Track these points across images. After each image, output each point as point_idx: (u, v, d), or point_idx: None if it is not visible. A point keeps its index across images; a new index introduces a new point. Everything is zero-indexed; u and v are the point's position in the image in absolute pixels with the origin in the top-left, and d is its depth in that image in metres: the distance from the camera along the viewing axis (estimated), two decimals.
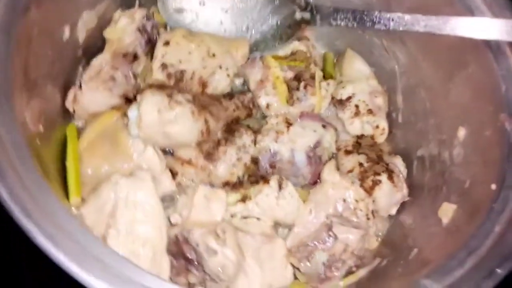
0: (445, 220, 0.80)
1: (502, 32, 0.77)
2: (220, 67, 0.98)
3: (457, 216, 0.78)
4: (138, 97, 0.87)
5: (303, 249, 0.91)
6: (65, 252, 0.57)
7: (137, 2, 1.03)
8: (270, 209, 0.93)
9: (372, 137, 1.09)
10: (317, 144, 1.01)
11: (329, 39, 1.20)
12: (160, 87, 0.92)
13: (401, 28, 0.86)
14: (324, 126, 1.04)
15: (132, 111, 0.86)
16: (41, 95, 0.80)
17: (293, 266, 0.91)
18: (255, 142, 1.00)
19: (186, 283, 0.85)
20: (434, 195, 0.91)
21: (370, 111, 1.06)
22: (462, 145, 0.89)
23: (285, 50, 1.10)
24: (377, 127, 1.08)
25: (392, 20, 0.87)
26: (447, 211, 0.82)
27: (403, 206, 1.00)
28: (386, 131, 1.08)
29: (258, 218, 0.94)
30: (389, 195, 0.97)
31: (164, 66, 0.93)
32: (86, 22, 0.92)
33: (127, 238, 0.79)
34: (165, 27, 1.05)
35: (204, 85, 0.96)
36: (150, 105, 0.84)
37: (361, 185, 0.96)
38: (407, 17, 0.85)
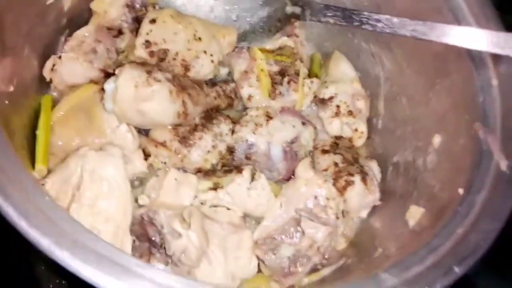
0: (412, 222, 0.81)
1: (485, 43, 0.77)
2: (205, 52, 0.97)
3: (423, 218, 0.78)
4: (117, 71, 0.85)
5: (270, 242, 0.90)
6: (26, 218, 0.54)
7: None
8: (241, 199, 0.92)
9: (350, 139, 1.09)
10: (295, 139, 1.01)
11: (319, 40, 1.20)
12: (141, 64, 0.90)
13: (388, 31, 0.86)
14: (303, 123, 1.04)
15: (109, 84, 0.85)
16: (16, 56, 0.78)
17: (258, 258, 0.90)
18: (232, 131, 0.99)
19: None
20: (404, 200, 0.91)
21: (350, 113, 1.07)
22: (436, 152, 0.89)
23: (273, 44, 1.09)
24: (356, 130, 1.08)
25: (380, 21, 0.87)
26: (414, 214, 0.82)
27: (373, 210, 1.00)
28: (365, 135, 1.09)
29: (228, 208, 0.92)
30: (361, 197, 0.97)
31: (147, 43, 0.92)
32: None
33: (90, 212, 0.77)
34: (154, 7, 1.04)
35: (186, 67, 0.95)
36: (128, 79, 0.82)
37: (334, 184, 0.95)
38: (394, 20, 0.86)
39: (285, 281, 0.89)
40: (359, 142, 1.10)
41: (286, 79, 1.05)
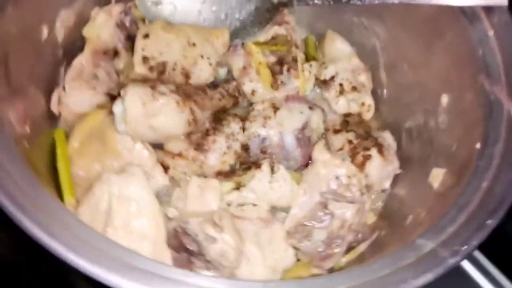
0: (436, 184, 0.82)
1: None
2: (202, 56, 0.98)
3: (446, 179, 0.80)
4: (122, 92, 0.86)
5: (301, 229, 0.91)
6: (64, 244, 0.56)
7: None
8: (264, 193, 0.94)
9: (359, 114, 1.10)
10: (305, 125, 1.02)
11: (310, 22, 1.21)
12: (143, 80, 0.91)
13: (376, 1, 0.87)
14: (310, 108, 1.05)
15: (117, 106, 0.86)
16: (25, 97, 0.79)
17: (294, 247, 0.91)
18: (243, 129, 1.01)
19: None
20: (424, 164, 0.92)
21: (354, 89, 1.07)
22: (446, 111, 0.90)
23: (265, 35, 1.10)
24: (363, 104, 1.09)
25: None
26: (437, 176, 0.83)
27: (396, 179, 1.01)
28: (372, 107, 1.10)
29: (254, 204, 0.94)
30: (381, 168, 0.98)
31: (145, 59, 0.93)
32: (64, 20, 0.91)
33: (125, 234, 0.79)
34: (144, 21, 1.05)
35: (187, 75, 0.96)
36: (134, 98, 0.83)
37: (352, 161, 0.97)
38: None
39: (324, 264, 0.91)
40: (368, 115, 1.11)
41: (285, 67, 1.06)
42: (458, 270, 0.62)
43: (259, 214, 0.93)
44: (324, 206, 0.92)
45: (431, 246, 0.60)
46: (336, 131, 1.05)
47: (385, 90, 1.13)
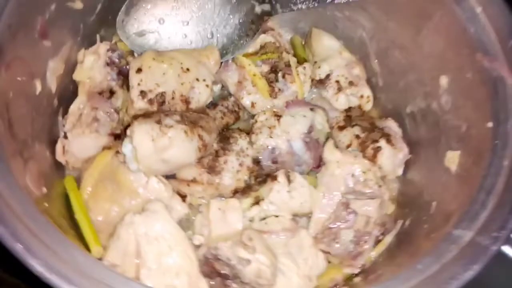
0: (453, 167, 0.83)
1: None
2: (198, 80, 0.97)
3: (463, 161, 0.81)
4: (128, 131, 0.85)
5: (328, 233, 0.92)
6: None
7: (98, 37, 1.01)
8: (285, 203, 0.94)
9: (359, 107, 1.11)
10: (311, 128, 1.02)
11: (292, 23, 1.21)
12: (145, 115, 0.90)
13: None
14: (312, 109, 1.05)
15: (126, 146, 0.85)
16: (33, 156, 0.78)
17: (323, 252, 0.92)
18: (251, 143, 1.01)
19: None
20: (435, 146, 0.93)
21: (351, 83, 1.08)
22: (447, 92, 0.91)
23: (253, 45, 1.10)
24: (362, 96, 1.10)
25: None
26: (453, 158, 0.84)
27: (407, 164, 1.02)
28: (371, 98, 1.10)
29: (276, 216, 0.94)
30: (392, 157, 0.99)
31: (143, 93, 0.92)
32: (53, 70, 0.89)
33: (159, 272, 0.79)
34: (132, 54, 1.03)
35: (186, 101, 0.96)
36: (143, 136, 0.82)
37: (364, 156, 0.97)
38: None
39: (356, 262, 0.91)
40: (368, 106, 1.12)
41: (280, 74, 1.06)
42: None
43: (284, 225, 0.94)
44: (346, 206, 0.93)
45: (470, 236, 0.61)
46: (341, 128, 1.06)
47: (379, 78, 1.14)
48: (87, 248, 0.83)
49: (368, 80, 1.14)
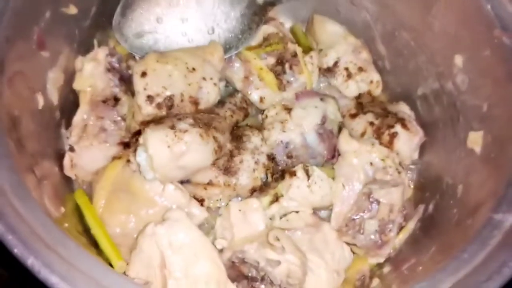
0: (478, 148, 0.81)
1: None
2: (204, 79, 0.93)
3: (488, 141, 0.79)
4: (141, 139, 0.82)
5: (352, 225, 0.90)
6: None
7: (95, 42, 0.96)
8: (305, 198, 0.92)
9: (368, 92, 1.08)
10: (324, 119, 1.00)
11: (292, 10, 1.17)
12: (155, 120, 0.87)
13: None
14: (322, 99, 1.02)
15: (140, 155, 0.81)
16: (45, 174, 0.74)
17: (349, 244, 0.90)
18: (264, 139, 0.98)
19: None
20: (453, 128, 0.91)
21: (360, 69, 1.05)
22: (463, 71, 0.89)
23: (256, 37, 1.06)
24: (371, 82, 1.07)
25: None
26: (476, 139, 0.82)
27: (422, 147, 1.00)
28: (381, 82, 1.08)
29: (296, 211, 0.92)
30: (408, 142, 0.97)
31: (150, 98, 0.88)
32: (53, 81, 0.85)
33: (188, 282, 0.76)
34: (131, 57, 0.99)
35: (195, 102, 0.92)
36: (158, 144, 0.79)
37: (380, 143, 0.95)
38: None
39: (382, 252, 0.90)
40: (377, 91, 1.09)
41: (287, 65, 1.02)
42: None
43: (306, 220, 0.91)
44: (367, 195, 0.91)
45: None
46: (353, 116, 1.03)
47: (386, 61, 1.11)
48: (109, 264, 0.80)
49: (374, 64, 1.11)
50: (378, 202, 0.90)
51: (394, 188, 0.89)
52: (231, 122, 0.99)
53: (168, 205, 0.86)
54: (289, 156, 0.98)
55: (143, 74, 0.89)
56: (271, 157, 0.97)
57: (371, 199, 0.91)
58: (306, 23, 1.18)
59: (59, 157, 0.89)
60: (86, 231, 0.83)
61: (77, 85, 0.92)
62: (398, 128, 0.96)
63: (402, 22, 1.01)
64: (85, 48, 0.95)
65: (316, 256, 0.86)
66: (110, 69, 0.93)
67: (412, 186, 1.01)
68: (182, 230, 0.79)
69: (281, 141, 0.97)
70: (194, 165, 0.84)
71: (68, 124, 0.92)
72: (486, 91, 0.82)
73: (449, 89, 0.93)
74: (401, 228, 0.93)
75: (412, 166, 1.02)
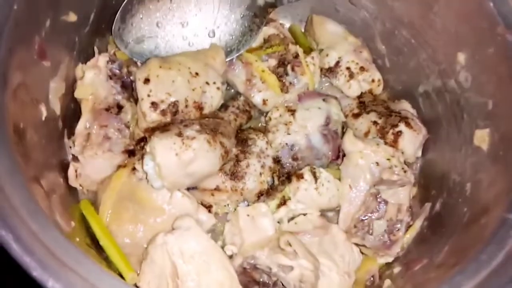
0: (485, 146, 0.81)
1: None
2: (208, 83, 0.92)
3: (496, 139, 0.79)
4: (148, 147, 0.81)
5: (361, 226, 0.90)
6: None
7: (96, 49, 0.94)
8: (313, 201, 0.92)
9: (370, 91, 1.08)
10: (328, 120, 0.99)
11: (290, 10, 1.16)
12: (161, 127, 0.86)
13: None
14: (325, 100, 1.02)
15: (148, 164, 0.80)
16: (52, 186, 0.73)
17: (358, 245, 0.90)
18: (269, 142, 0.97)
19: None
20: (457, 125, 0.92)
21: (362, 69, 1.05)
22: (466, 68, 0.89)
23: (257, 40, 1.05)
24: (373, 81, 1.07)
25: None
26: (482, 137, 0.83)
27: (426, 144, 1.01)
28: (382, 81, 1.08)
29: (304, 214, 0.92)
30: (412, 140, 0.97)
31: (154, 105, 0.87)
32: (55, 91, 0.83)
33: None
34: (132, 62, 0.97)
35: (199, 107, 0.91)
36: (166, 152, 0.78)
37: (385, 142, 0.95)
38: None
39: (391, 251, 0.90)
40: (379, 90, 1.09)
41: (289, 67, 1.02)
42: None
43: (314, 223, 0.91)
44: (375, 196, 0.91)
45: None
46: (356, 115, 1.03)
47: (386, 59, 1.11)
48: (119, 275, 0.79)
49: (374, 62, 1.11)
50: (386, 202, 0.90)
51: (402, 188, 0.89)
52: (236, 126, 0.99)
53: (176, 213, 0.85)
54: (295, 158, 0.98)
55: (146, 80, 0.87)
56: (276, 160, 0.97)
57: (379, 200, 0.91)
58: (305, 23, 1.18)
59: (63, 167, 0.87)
60: (94, 242, 0.82)
61: (78, 93, 0.90)
62: (402, 127, 0.96)
63: (401, 20, 1.01)
64: (85, 56, 0.93)
65: (326, 259, 0.86)
66: (112, 76, 0.91)
67: (416, 185, 1.01)
68: (193, 238, 0.78)
69: (286, 144, 0.97)
70: (202, 171, 0.83)
71: (71, 134, 0.90)
72: (490, 88, 0.82)
73: (451, 87, 0.94)
74: (408, 227, 0.93)
75: (416, 164, 1.03)
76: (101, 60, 0.91)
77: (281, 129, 0.98)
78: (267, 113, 1.03)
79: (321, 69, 1.06)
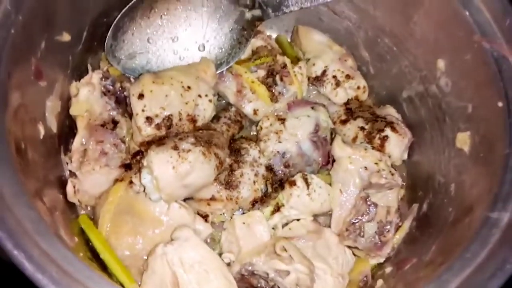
0: (466, 148, 0.86)
1: None
2: (200, 96, 0.95)
3: (476, 141, 0.83)
4: (144, 161, 0.83)
5: (352, 229, 0.94)
6: None
7: (89, 67, 0.96)
8: (306, 206, 0.95)
9: (355, 97, 1.12)
10: (317, 127, 1.03)
11: (276, 21, 1.20)
12: (156, 141, 0.88)
13: None
14: (313, 108, 1.06)
15: (145, 177, 0.83)
16: (53, 204, 0.75)
17: (350, 247, 0.94)
18: (261, 151, 1.00)
19: None
20: (440, 128, 0.96)
21: (348, 76, 1.09)
22: (446, 74, 0.94)
23: (245, 52, 1.08)
24: (358, 87, 1.11)
25: None
26: (463, 140, 0.87)
27: (411, 147, 1.05)
28: (367, 88, 1.12)
29: (297, 219, 0.95)
30: (398, 144, 1.01)
31: (149, 119, 0.89)
32: (51, 109, 0.85)
33: None
34: (127, 78, 1.00)
35: (193, 120, 0.94)
36: (163, 165, 0.80)
37: (372, 147, 0.99)
38: None
39: (382, 252, 0.94)
40: (364, 96, 1.13)
41: (277, 77, 1.05)
42: None
43: (307, 227, 0.95)
44: (364, 199, 0.95)
45: (508, 217, 0.63)
46: (344, 122, 1.07)
47: (370, 66, 1.16)
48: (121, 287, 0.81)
49: (359, 69, 1.15)
50: (376, 205, 0.94)
51: (390, 190, 0.93)
52: (228, 136, 1.01)
53: (174, 224, 0.88)
54: (286, 166, 1.01)
55: (140, 96, 0.90)
56: (269, 168, 1.00)
57: (368, 203, 0.95)
58: (291, 34, 1.21)
59: (62, 183, 0.89)
60: (95, 256, 0.84)
61: (73, 110, 0.92)
62: (388, 131, 1.00)
63: (383, 29, 1.06)
64: (78, 73, 0.95)
65: (320, 262, 0.89)
66: (106, 92, 0.94)
67: (403, 186, 1.05)
68: (192, 248, 0.81)
69: (278, 152, 1.00)
70: (198, 183, 0.86)
71: (67, 150, 0.93)
72: (469, 93, 0.87)
73: (433, 92, 0.98)
74: (397, 228, 0.97)
75: (402, 168, 1.07)
76: (94, 77, 0.93)
77: (272, 138, 1.01)
78: (258, 122, 1.06)
79: (309, 78, 1.10)
